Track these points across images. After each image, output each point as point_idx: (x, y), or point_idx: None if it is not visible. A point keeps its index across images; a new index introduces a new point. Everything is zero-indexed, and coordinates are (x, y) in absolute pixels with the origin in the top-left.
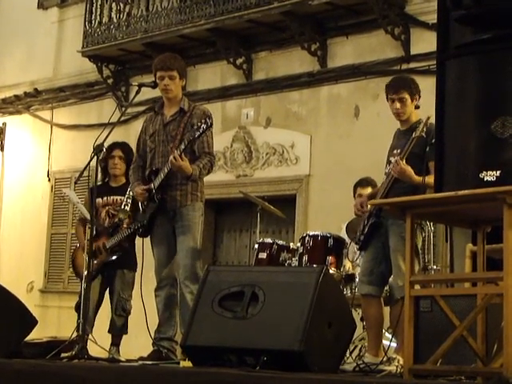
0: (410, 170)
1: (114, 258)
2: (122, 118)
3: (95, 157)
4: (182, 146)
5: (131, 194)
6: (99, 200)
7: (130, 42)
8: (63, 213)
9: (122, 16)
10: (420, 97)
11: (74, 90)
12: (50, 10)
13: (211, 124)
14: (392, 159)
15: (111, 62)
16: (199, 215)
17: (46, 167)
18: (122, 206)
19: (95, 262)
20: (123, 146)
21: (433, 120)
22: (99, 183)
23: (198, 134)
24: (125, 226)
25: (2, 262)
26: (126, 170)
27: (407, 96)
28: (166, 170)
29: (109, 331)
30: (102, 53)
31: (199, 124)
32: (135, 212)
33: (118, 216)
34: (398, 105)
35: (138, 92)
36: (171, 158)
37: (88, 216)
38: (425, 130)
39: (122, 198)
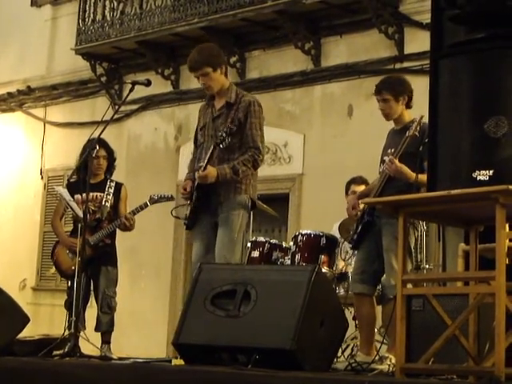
0: (405, 168)
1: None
2: (116, 116)
3: (88, 154)
4: (207, 157)
5: (111, 190)
6: (78, 196)
7: (124, 39)
8: None
9: (115, 14)
10: (409, 97)
11: (67, 87)
12: (43, 7)
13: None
14: (386, 158)
15: (104, 59)
16: (240, 207)
17: (38, 165)
18: (103, 203)
19: (79, 258)
20: (106, 145)
21: (426, 119)
22: (75, 179)
23: (218, 143)
24: (106, 222)
25: None
26: (106, 167)
27: (389, 97)
28: None
29: (95, 329)
30: (96, 50)
31: (222, 133)
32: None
33: (101, 213)
34: (380, 105)
35: (131, 90)
36: (198, 174)
37: (80, 214)
38: (418, 128)
39: (102, 194)
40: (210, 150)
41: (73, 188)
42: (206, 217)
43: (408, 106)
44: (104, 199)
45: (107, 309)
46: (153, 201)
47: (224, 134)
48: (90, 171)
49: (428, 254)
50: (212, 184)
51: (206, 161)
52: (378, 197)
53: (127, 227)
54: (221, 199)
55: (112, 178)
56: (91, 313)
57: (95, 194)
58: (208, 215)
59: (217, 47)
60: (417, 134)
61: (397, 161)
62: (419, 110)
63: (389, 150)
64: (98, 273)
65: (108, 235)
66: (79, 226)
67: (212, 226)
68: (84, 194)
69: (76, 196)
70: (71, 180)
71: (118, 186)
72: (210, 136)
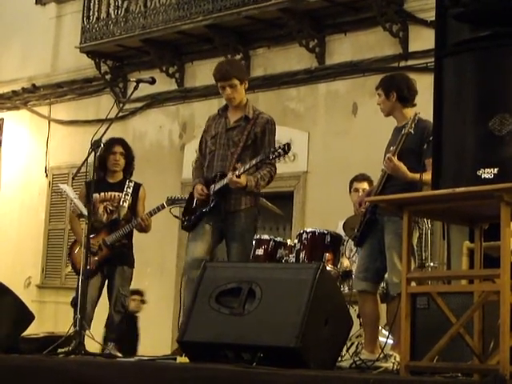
0: (402, 166)
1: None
2: (120, 114)
3: (93, 152)
4: (247, 166)
5: (129, 190)
6: (96, 195)
7: (128, 37)
8: (61, 209)
9: (120, 12)
10: (403, 94)
11: (71, 85)
12: (48, 5)
13: (288, 152)
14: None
15: (109, 57)
16: (251, 221)
17: (43, 163)
18: (121, 203)
19: (96, 258)
20: (123, 143)
21: (422, 116)
22: (95, 178)
23: (269, 157)
24: (123, 222)
25: (0, 258)
26: (125, 166)
27: (381, 92)
28: (225, 181)
29: (106, 326)
30: (100, 48)
31: (274, 150)
32: (133, 208)
33: (118, 213)
34: (377, 100)
35: (135, 88)
36: (233, 178)
37: (85, 211)
38: (413, 126)
39: (120, 194)
40: (256, 160)
41: (91, 187)
42: (209, 221)
43: (406, 103)
44: (122, 199)
45: (121, 307)
46: (169, 202)
47: (280, 151)
48: (92, 170)
49: (433, 252)
50: (227, 190)
51: (246, 167)
52: (379, 195)
53: (143, 228)
54: (231, 208)
55: (131, 179)
56: (99, 311)
57: (114, 193)
58: (213, 219)
59: (242, 63)
60: (411, 131)
61: (394, 158)
62: (424, 108)
63: (391, 148)
64: (113, 272)
65: (125, 235)
66: (96, 225)
67: (215, 231)
68: (102, 193)
69: (94, 195)
70: (88, 179)
71: (137, 187)
72: (222, 145)
